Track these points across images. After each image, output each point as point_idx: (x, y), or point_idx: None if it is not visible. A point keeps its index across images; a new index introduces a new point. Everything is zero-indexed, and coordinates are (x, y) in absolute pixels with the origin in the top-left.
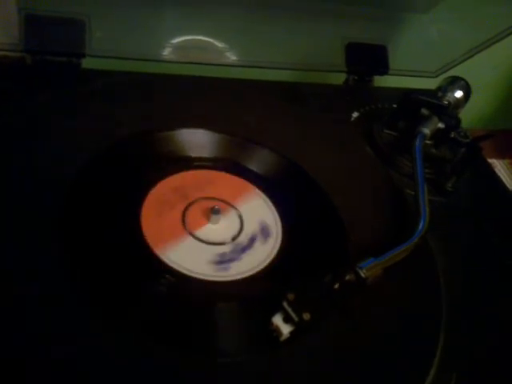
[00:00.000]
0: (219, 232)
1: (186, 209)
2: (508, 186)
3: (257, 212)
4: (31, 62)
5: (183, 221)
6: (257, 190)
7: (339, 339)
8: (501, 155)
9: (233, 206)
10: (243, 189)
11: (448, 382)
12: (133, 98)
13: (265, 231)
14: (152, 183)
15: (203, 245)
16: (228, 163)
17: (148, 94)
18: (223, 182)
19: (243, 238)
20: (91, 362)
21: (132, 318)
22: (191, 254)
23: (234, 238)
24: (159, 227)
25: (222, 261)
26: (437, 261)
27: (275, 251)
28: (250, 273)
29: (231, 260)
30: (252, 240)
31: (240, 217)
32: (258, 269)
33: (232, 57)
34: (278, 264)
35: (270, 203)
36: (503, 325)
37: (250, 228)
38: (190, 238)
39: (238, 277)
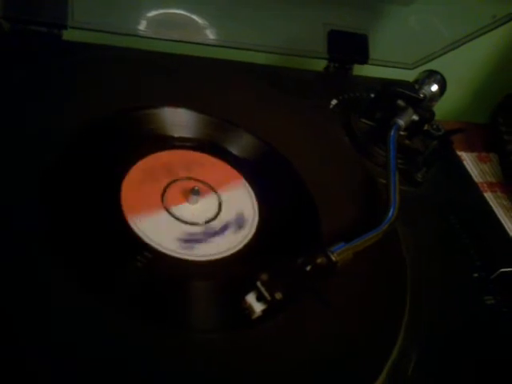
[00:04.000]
0: (195, 213)
1: (169, 185)
2: (474, 178)
3: (237, 202)
4: (9, 30)
5: (162, 195)
6: (243, 181)
7: (307, 319)
8: (470, 148)
9: (215, 192)
10: (231, 177)
11: (408, 363)
12: (114, 74)
13: (239, 221)
14: (140, 156)
15: (176, 221)
16: (206, 144)
17: (130, 70)
18: (212, 166)
19: (216, 224)
20: (69, 334)
21: (108, 290)
22: (161, 228)
23: (207, 222)
24: (138, 195)
25: (189, 240)
26: (403, 247)
27: (245, 241)
28: (216, 257)
29: (198, 241)
30: (224, 227)
31: (220, 203)
32: (223, 255)
33: (212, 36)
34: (254, 245)
35: (253, 194)
36: (464, 307)
37: (226, 216)
38: (164, 213)
39: (202, 258)
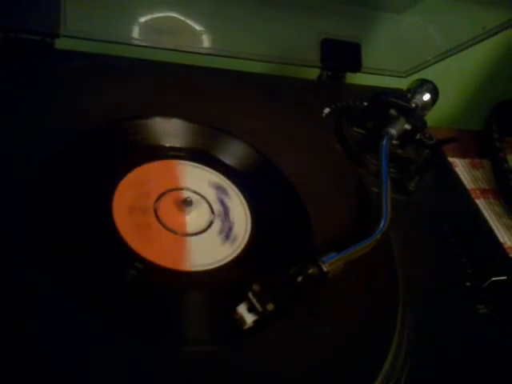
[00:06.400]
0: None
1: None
2: (467, 184)
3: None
4: (2, 39)
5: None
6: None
7: (300, 330)
8: (462, 155)
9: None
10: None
11: (400, 374)
12: (106, 83)
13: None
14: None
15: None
16: (198, 153)
17: (122, 79)
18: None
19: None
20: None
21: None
22: (205, 249)
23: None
24: (157, 248)
25: (226, 234)
26: (396, 256)
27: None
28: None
29: (230, 229)
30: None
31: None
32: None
33: (205, 45)
34: (246, 255)
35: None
36: (456, 316)
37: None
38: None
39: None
